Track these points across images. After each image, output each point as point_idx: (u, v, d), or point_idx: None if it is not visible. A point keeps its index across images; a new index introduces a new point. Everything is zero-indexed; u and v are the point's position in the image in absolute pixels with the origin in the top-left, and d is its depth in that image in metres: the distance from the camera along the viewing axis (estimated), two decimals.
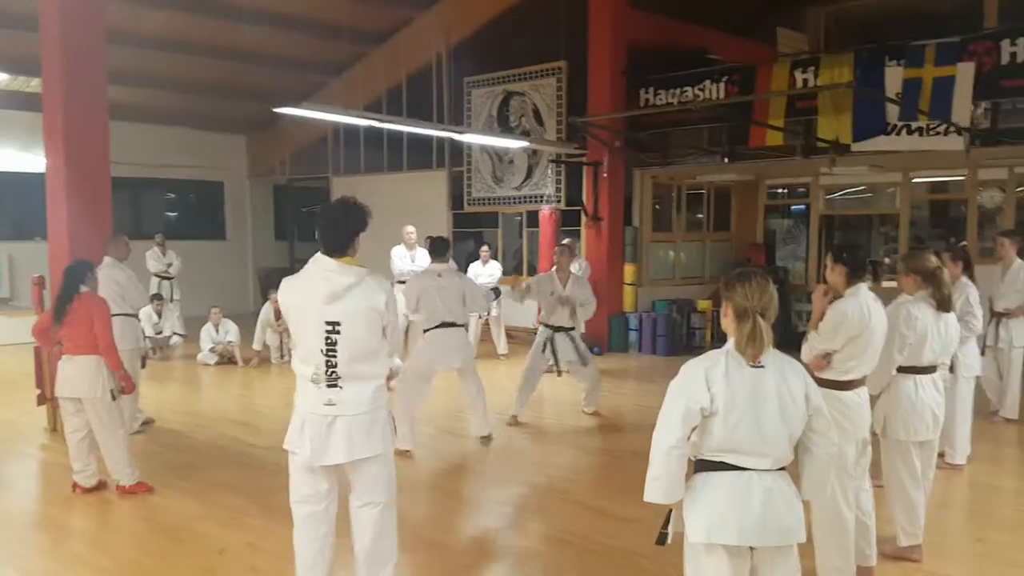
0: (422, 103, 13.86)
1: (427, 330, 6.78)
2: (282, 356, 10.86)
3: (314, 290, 3.41)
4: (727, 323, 2.81)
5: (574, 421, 7.86)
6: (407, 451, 6.42)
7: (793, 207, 14.15)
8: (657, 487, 2.77)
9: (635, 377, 10.27)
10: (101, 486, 5.57)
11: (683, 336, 12.00)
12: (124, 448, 5.49)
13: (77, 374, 5.35)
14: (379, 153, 15.01)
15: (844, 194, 13.37)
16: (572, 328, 7.76)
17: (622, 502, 5.33)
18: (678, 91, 11.40)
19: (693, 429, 2.73)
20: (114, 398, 5.45)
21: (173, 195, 17.12)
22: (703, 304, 12.41)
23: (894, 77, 9.56)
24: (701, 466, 2.76)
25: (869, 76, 9.73)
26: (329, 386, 3.43)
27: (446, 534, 4.89)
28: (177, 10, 11.90)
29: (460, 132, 10.91)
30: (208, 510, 5.22)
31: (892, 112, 9.63)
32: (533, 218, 12.92)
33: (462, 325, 6.92)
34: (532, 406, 7.86)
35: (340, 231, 3.44)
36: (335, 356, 3.39)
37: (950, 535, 4.87)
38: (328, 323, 3.38)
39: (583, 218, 12.20)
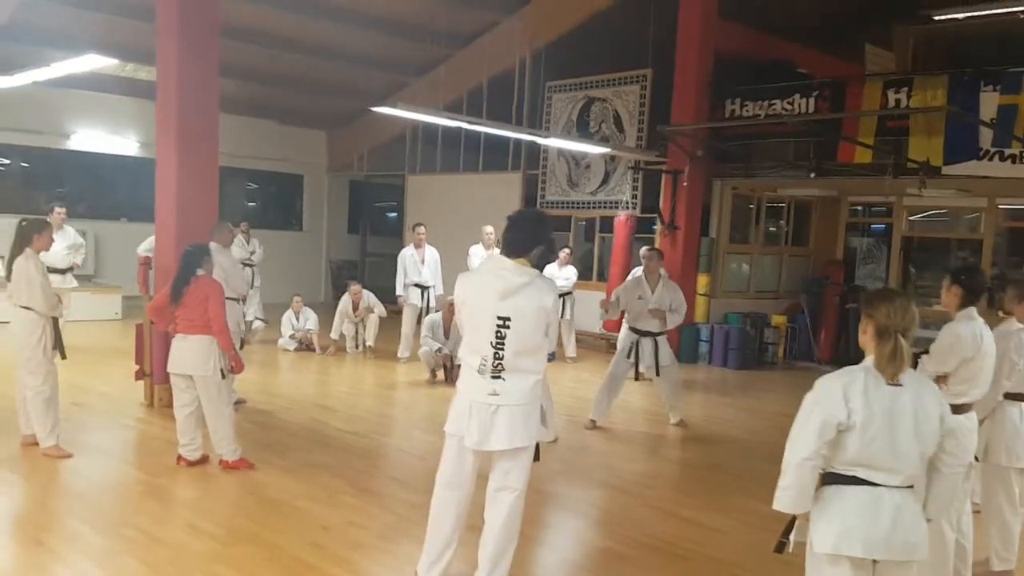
0: (501, 106, 14.02)
1: None
2: (357, 346, 11.12)
3: (489, 287, 3.66)
4: (866, 340, 2.86)
5: (647, 428, 7.92)
6: None
7: (873, 226, 13.98)
8: (787, 496, 2.84)
9: (706, 389, 10.27)
10: (204, 460, 5.81)
11: (755, 350, 11.95)
12: (230, 425, 5.73)
13: (190, 352, 5.61)
14: (455, 153, 15.22)
15: (922, 216, 13.18)
16: (660, 333, 7.75)
17: (707, 511, 5.40)
18: (766, 103, 11.36)
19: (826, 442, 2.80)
20: (224, 377, 5.69)
21: (255, 185, 17.57)
22: (777, 319, 12.34)
23: (989, 102, 9.44)
24: (831, 479, 2.83)
25: (963, 100, 9.60)
26: (493, 377, 3.68)
27: (534, 529, 4.97)
28: (266, 4, 12.22)
29: (545, 136, 11.03)
30: (307, 488, 5.42)
31: (985, 137, 9.52)
32: (606, 223, 12.99)
33: None
34: (606, 413, 7.89)
35: (526, 236, 3.73)
36: (503, 349, 3.64)
37: None
38: (500, 318, 3.63)
39: (658, 226, 12.24)
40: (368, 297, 11.12)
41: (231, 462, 5.73)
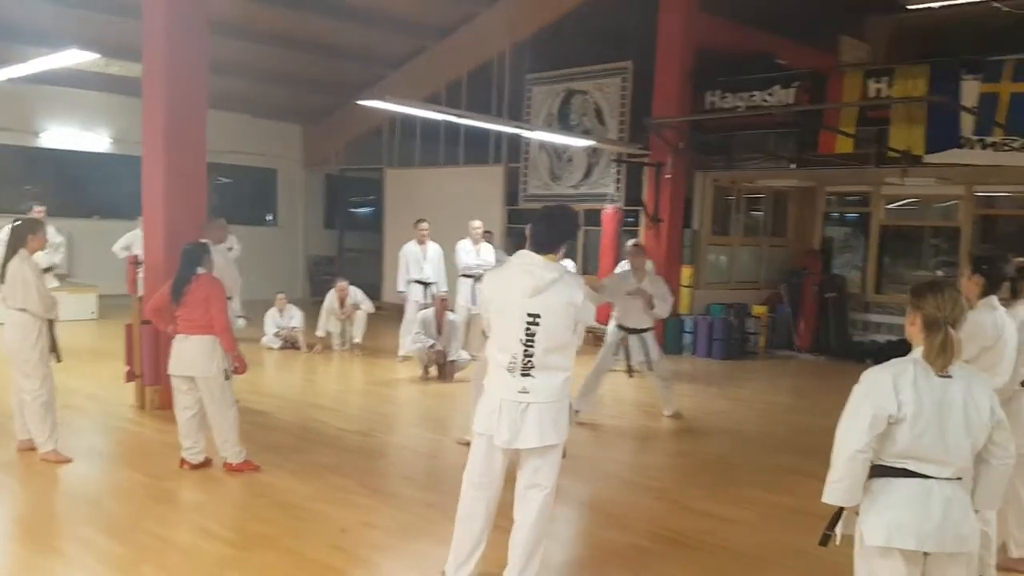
0: (481, 98, 13.98)
1: None
2: (343, 343, 11.01)
3: (518, 283, 3.63)
4: (914, 332, 2.88)
5: (644, 422, 7.95)
6: None
7: (847, 215, 14.14)
8: (838, 489, 2.85)
9: (693, 380, 10.29)
10: (207, 463, 5.71)
11: (738, 340, 12.04)
12: (234, 427, 5.63)
13: (192, 353, 5.50)
14: (435, 146, 15.13)
15: (897, 205, 13.35)
16: (647, 329, 7.80)
17: (719, 503, 5.42)
18: (746, 95, 11.42)
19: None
20: (227, 378, 5.60)
21: (228, 180, 17.29)
22: (758, 309, 12.45)
23: (970, 91, 9.56)
24: (880, 471, 2.84)
25: (944, 89, 9.73)
26: (523, 375, 3.65)
27: (552, 524, 4.94)
28: None
29: (531, 129, 10.98)
30: (317, 490, 5.35)
31: (966, 125, 9.66)
32: (590, 217, 12.99)
33: None
34: (601, 406, 7.92)
35: (554, 232, 3.74)
36: (532, 346, 3.62)
37: None
38: (529, 315, 3.60)
39: (642, 218, 12.27)
40: (355, 293, 11.01)
41: (235, 464, 5.63)
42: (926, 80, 9.93)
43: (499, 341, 3.76)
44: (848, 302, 12.49)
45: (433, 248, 10.56)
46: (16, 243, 5.72)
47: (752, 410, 8.64)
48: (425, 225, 10.55)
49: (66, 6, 11.08)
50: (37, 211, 10.43)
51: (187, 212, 7.34)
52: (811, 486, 5.69)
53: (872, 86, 10.35)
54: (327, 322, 10.95)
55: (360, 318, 10.97)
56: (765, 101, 11.20)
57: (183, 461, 5.67)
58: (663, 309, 7.75)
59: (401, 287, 10.49)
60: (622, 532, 4.89)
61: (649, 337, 7.80)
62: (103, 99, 14.41)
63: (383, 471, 5.98)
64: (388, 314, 12.27)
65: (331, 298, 10.97)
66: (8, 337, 5.70)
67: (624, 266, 10.38)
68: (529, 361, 3.65)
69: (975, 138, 9.62)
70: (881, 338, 12.13)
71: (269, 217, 17.61)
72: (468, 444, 6.31)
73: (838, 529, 3.00)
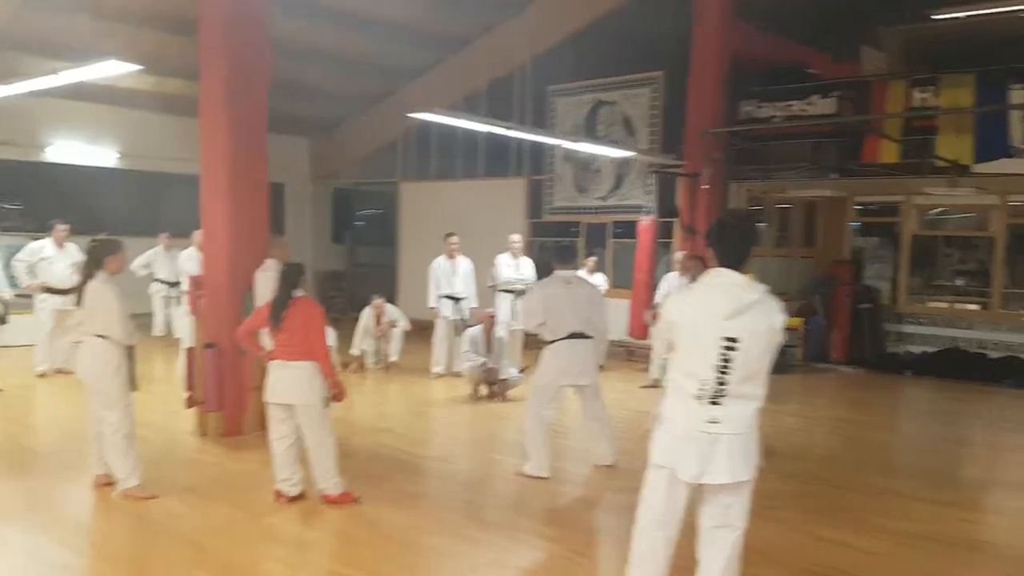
0: (500, 110, 13.71)
1: (552, 342, 6.15)
2: (377, 362, 10.67)
3: (714, 304, 3.35)
4: None
5: None
6: (545, 478, 6.07)
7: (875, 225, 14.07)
8: None
9: None
10: (302, 496, 5.37)
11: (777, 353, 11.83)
12: (333, 456, 5.31)
13: (292, 380, 5.19)
14: (452, 159, 14.85)
15: (933, 215, 13.28)
16: None
17: (852, 532, 5.12)
18: (782, 104, 11.31)
19: None
20: (326, 405, 5.28)
21: None
22: (793, 321, 12.29)
23: (1019, 99, 9.53)
24: None
25: (992, 98, 9.69)
26: (712, 403, 3.36)
27: (688, 561, 4.63)
28: None
29: (574, 141, 10.74)
30: (423, 522, 5.06)
31: (1015, 134, 9.61)
32: (619, 228, 12.82)
33: (591, 337, 6.23)
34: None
35: (748, 246, 3.47)
36: (727, 373, 3.33)
37: None
38: (727, 339, 3.31)
39: (675, 230, 12.09)
40: (391, 311, 10.69)
41: (335, 496, 5.31)
42: (972, 89, 9.89)
43: (686, 367, 3.46)
44: (882, 313, 12.39)
45: (464, 262, 10.28)
46: (94, 264, 5.37)
47: (824, 428, 8.46)
48: (455, 239, 10.28)
49: (90, 18, 10.65)
50: (59, 229, 9.98)
51: (250, 233, 7.07)
52: (925, 510, 5.61)
53: (917, 95, 10.29)
54: (362, 340, 10.61)
55: (396, 336, 10.65)
56: (804, 111, 11.09)
57: (278, 494, 5.34)
58: None
59: (432, 303, 10.21)
60: (778, 569, 4.55)
61: None
62: (109, 112, 13.96)
63: (482, 501, 5.66)
64: (410, 330, 11.93)
65: (367, 315, 10.63)
66: (87, 365, 5.34)
67: (671, 279, 10.22)
68: (722, 389, 3.36)
69: None
70: (916, 349, 12.04)
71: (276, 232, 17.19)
72: (526, 476, 6.05)
73: None
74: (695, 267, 7.81)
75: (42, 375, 9.66)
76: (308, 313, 5.24)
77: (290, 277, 5.29)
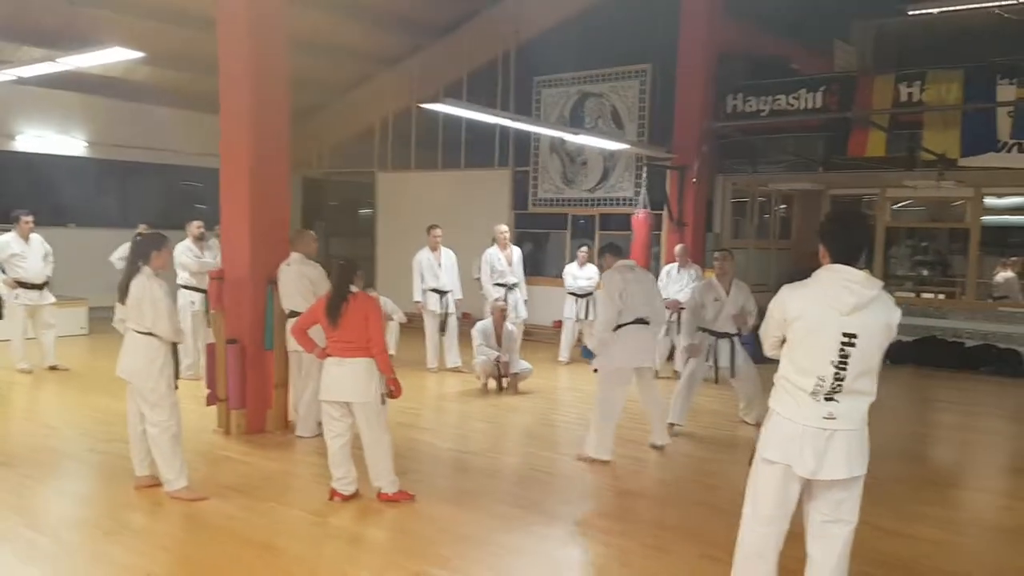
0: (482, 100, 13.61)
1: (620, 326, 6.39)
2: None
3: (834, 300, 3.34)
4: None
5: (746, 432, 7.68)
6: (607, 461, 6.26)
7: None
8: None
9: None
10: (357, 494, 5.28)
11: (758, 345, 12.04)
12: (390, 454, 5.23)
13: (349, 377, 5.08)
14: (432, 150, 14.70)
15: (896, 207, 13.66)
16: (736, 334, 7.70)
17: (909, 521, 5.19)
18: (769, 99, 11.48)
19: None
20: (383, 402, 5.20)
21: (200, 184, 16.40)
22: None
23: (1006, 95, 9.83)
24: None
25: (979, 93, 9.98)
26: (827, 399, 3.37)
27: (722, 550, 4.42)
28: None
29: (575, 133, 10.72)
30: (489, 519, 5.00)
31: (1003, 129, 9.91)
32: (607, 221, 12.88)
33: (649, 323, 6.55)
34: (693, 415, 7.74)
35: (860, 240, 3.50)
36: (845, 369, 3.33)
37: None
38: (846, 335, 3.32)
39: (664, 222, 12.20)
40: (386, 304, 10.53)
41: (391, 495, 5.22)
42: (960, 84, 10.16)
43: (802, 363, 3.45)
44: None
45: (447, 255, 10.19)
46: (138, 259, 5.18)
47: None
48: (439, 231, 10.16)
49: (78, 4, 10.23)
50: (25, 221, 9.57)
51: (272, 225, 6.92)
52: (970, 498, 5.76)
53: (903, 90, 10.53)
54: None
55: (392, 329, 10.48)
56: (790, 105, 11.29)
57: (333, 492, 5.24)
58: (752, 322, 7.66)
59: (417, 297, 10.11)
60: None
61: (738, 341, 7.70)
62: (77, 99, 13.46)
63: (537, 496, 5.60)
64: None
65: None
66: (132, 363, 5.16)
67: (670, 268, 10.33)
68: (839, 385, 3.37)
69: (1012, 141, 9.87)
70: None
71: None
72: (589, 461, 6.16)
73: None
74: (724, 262, 7.87)
75: (27, 371, 9.32)
76: (366, 308, 5.13)
77: (346, 272, 5.17)
